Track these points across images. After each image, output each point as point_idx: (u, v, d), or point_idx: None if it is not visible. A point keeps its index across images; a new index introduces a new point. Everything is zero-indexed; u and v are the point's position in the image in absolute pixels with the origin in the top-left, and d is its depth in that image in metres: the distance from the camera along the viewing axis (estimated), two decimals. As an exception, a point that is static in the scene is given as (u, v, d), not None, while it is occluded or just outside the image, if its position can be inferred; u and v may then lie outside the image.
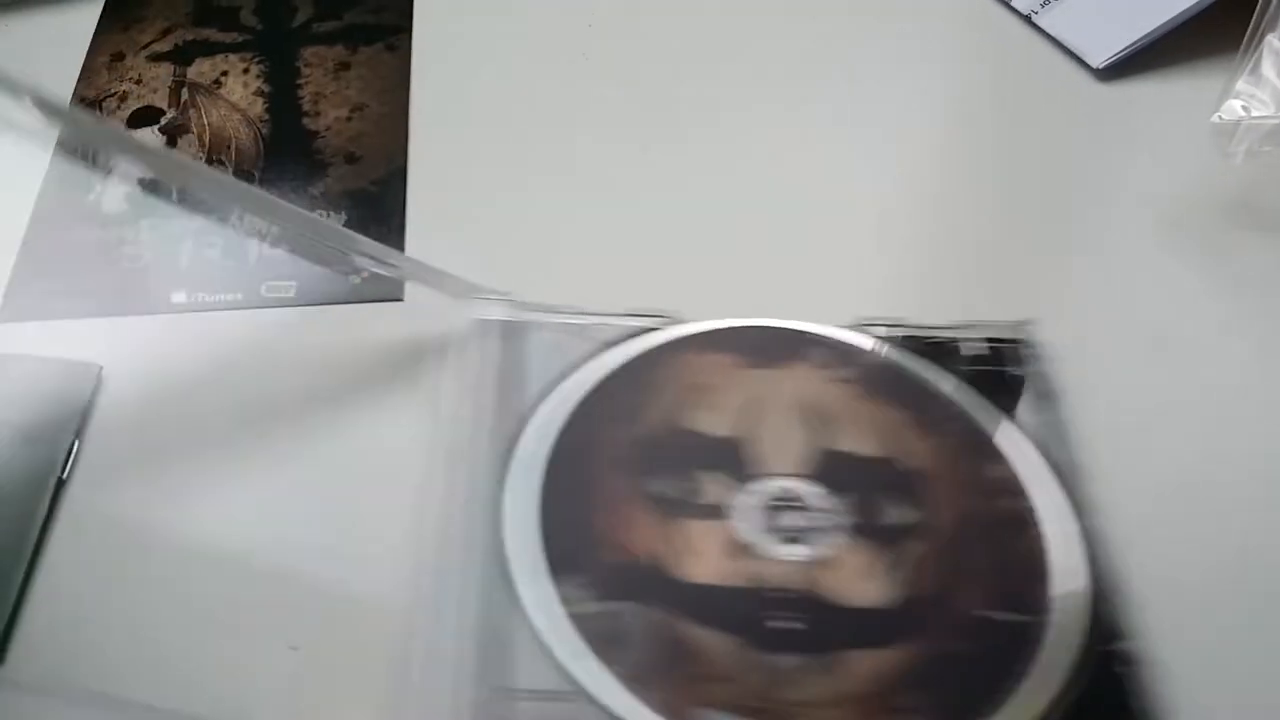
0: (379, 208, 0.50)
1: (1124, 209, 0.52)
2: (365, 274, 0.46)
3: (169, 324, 0.46)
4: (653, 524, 0.38)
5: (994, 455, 0.41)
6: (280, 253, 0.48)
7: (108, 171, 0.50)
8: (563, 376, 0.43)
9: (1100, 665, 0.36)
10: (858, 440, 0.41)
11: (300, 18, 0.60)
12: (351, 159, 0.52)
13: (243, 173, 0.52)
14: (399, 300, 0.47)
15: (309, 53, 0.58)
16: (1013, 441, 0.42)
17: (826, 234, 0.50)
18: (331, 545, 0.39)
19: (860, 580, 0.37)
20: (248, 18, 0.60)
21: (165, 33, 0.59)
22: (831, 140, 0.54)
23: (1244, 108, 0.49)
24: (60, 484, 0.40)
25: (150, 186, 0.50)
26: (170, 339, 0.45)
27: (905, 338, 0.45)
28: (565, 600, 0.36)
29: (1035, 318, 0.46)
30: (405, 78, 0.56)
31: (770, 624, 0.36)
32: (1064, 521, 0.40)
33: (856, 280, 0.48)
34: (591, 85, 0.57)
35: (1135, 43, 0.56)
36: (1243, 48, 0.49)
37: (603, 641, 0.35)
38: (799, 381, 0.43)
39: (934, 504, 0.40)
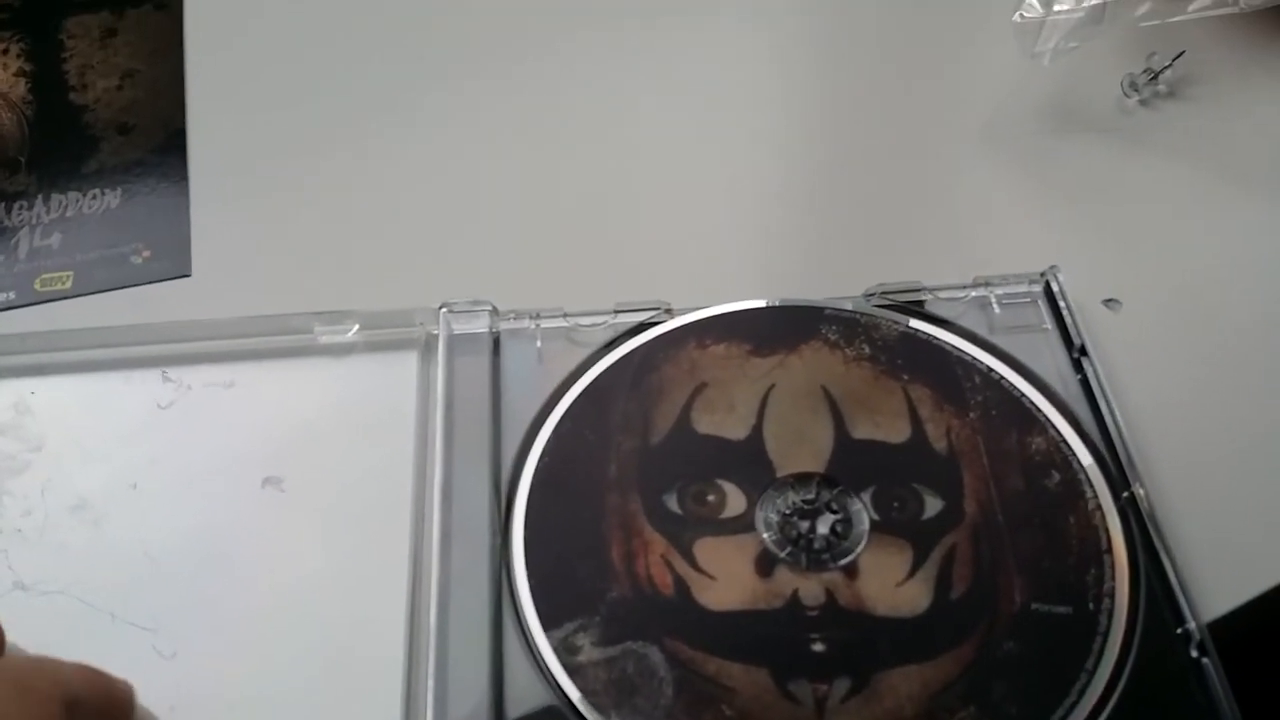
0: (158, 177, 0.47)
1: (950, 129, 0.50)
2: (147, 252, 0.44)
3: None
4: (668, 547, 0.36)
5: (1033, 425, 0.38)
6: (52, 242, 0.45)
7: None
8: (561, 389, 0.39)
9: (1165, 654, 0.33)
10: (884, 425, 0.39)
11: (61, -13, 0.55)
12: (124, 129, 0.49)
13: (8, 160, 0.48)
14: (187, 276, 0.44)
15: (72, 23, 0.53)
16: (1051, 406, 0.39)
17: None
18: (322, 609, 0.36)
19: (898, 585, 0.35)
20: (4, -7, 0.54)
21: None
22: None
23: (1043, 4, 0.46)
24: None
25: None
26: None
27: (917, 304, 0.42)
28: (567, 648, 0.33)
29: (1056, 264, 0.43)
30: (178, 36, 0.53)
31: (813, 647, 0.33)
32: (1110, 494, 0.37)
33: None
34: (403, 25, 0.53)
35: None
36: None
37: (619, 691, 0.33)
38: (814, 365, 0.40)
39: (973, 487, 0.37)
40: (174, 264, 0.44)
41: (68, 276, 0.44)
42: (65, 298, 0.44)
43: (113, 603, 0.36)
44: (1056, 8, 0.46)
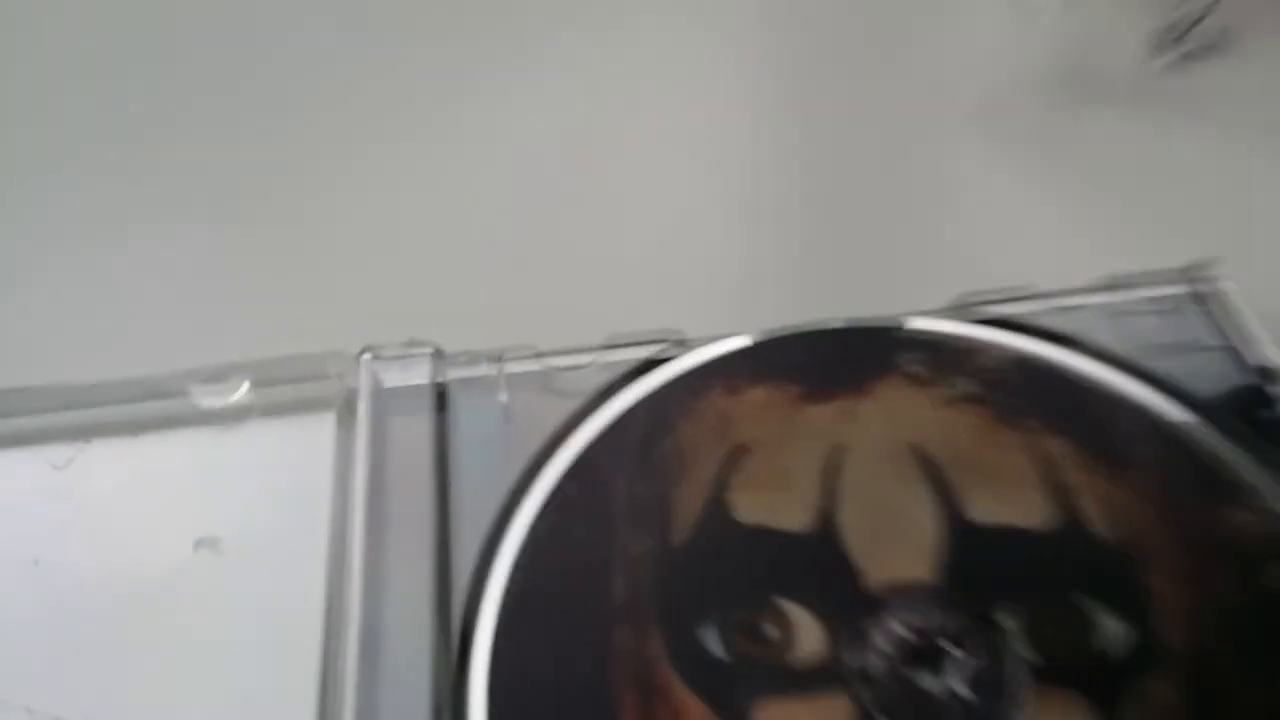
0: None
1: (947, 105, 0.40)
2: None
3: None
4: (710, 715, 0.23)
5: (1231, 489, 0.26)
6: None
7: None
8: (538, 463, 0.27)
9: None
10: (1009, 499, 0.26)
11: None
12: None
13: None
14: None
15: None
16: (1248, 458, 0.27)
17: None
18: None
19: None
20: None
21: None
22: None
23: None
24: None
25: None
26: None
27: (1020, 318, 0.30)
28: None
29: (1215, 257, 0.31)
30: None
31: None
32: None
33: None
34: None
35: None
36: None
37: None
38: (894, 412, 0.28)
39: (1163, 595, 0.24)
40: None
41: None
42: None
43: (27, 696, 0.28)
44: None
